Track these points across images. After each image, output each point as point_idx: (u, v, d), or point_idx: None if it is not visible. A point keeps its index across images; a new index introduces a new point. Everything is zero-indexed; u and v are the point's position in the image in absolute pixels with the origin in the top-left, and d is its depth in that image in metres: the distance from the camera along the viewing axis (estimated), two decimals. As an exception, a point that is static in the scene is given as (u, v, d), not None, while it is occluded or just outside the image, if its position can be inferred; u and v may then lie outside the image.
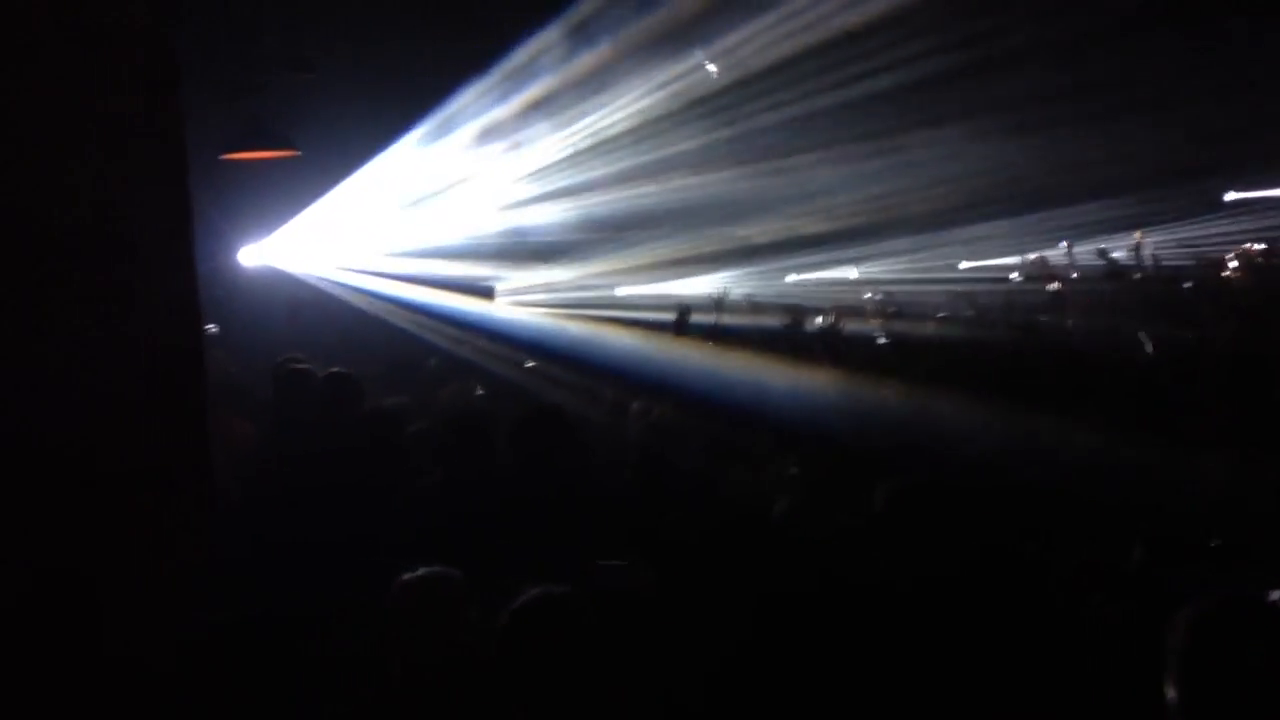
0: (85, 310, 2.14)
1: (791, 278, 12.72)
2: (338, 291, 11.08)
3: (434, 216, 11.33)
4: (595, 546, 4.27)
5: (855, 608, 3.69)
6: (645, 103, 10.55)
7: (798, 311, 8.39)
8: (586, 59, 9.98)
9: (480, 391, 7.58)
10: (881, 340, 8.51)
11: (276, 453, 5.81)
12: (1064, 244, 12.71)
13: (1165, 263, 11.46)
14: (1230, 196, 14.08)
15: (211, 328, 8.13)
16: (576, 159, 11.09)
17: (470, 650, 3.46)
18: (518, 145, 11.00)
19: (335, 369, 6.20)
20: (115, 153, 2.16)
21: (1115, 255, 11.41)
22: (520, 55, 9.84)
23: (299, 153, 10.00)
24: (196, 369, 2.28)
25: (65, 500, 2.10)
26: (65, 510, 2.10)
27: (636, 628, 3.81)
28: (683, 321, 7.95)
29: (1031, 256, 12.79)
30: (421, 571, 3.61)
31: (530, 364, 8.22)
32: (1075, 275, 9.49)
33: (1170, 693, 2.37)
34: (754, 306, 9.94)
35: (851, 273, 14.01)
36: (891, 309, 10.33)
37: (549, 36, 9.60)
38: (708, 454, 5.18)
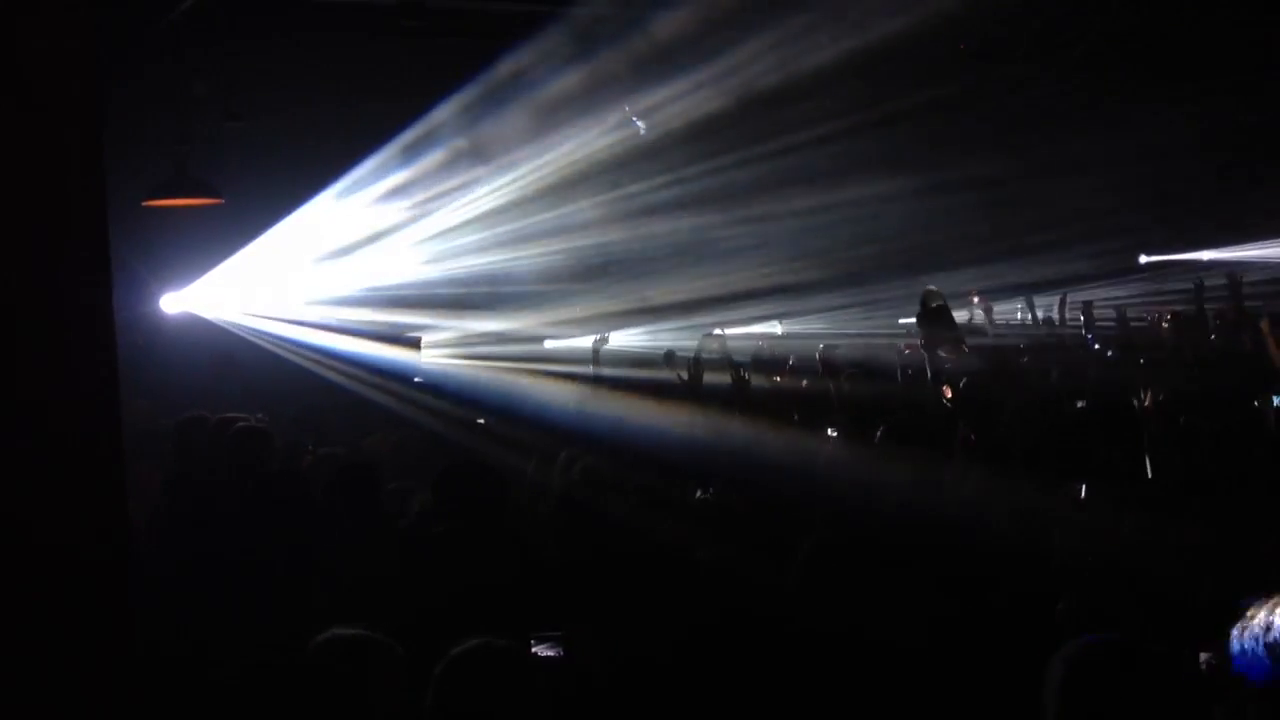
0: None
1: (718, 332, 12.73)
2: (260, 340, 10.94)
3: (360, 266, 11.27)
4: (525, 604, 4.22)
5: (777, 656, 3.69)
6: (571, 156, 10.60)
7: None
8: (513, 112, 10.02)
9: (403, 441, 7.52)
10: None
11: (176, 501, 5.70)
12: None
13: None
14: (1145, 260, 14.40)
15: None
16: (501, 211, 11.11)
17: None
18: (440, 198, 10.98)
19: (245, 423, 6.12)
20: (30, 192, 2.08)
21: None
22: (442, 111, 9.85)
23: (222, 200, 9.92)
24: (113, 419, 2.20)
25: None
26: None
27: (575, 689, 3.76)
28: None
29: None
30: (332, 633, 3.30)
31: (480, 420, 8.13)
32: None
33: None
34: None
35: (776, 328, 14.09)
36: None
37: (472, 93, 9.63)
38: (631, 500, 5.16)
